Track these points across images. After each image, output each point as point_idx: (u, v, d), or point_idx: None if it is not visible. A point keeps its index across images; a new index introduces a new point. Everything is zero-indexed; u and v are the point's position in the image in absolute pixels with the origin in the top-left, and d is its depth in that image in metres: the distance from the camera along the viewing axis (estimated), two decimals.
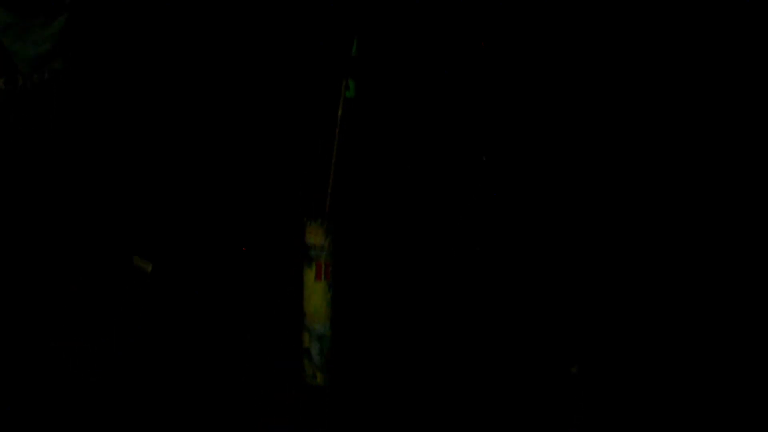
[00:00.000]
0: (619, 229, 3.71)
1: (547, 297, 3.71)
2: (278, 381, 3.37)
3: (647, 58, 3.66)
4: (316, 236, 3.49)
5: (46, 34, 2.95)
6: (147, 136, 3.63)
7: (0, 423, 3.07)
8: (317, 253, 3.49)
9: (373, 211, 3.76)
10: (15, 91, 3.03)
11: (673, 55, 3.66)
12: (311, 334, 3.57)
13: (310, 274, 3.52)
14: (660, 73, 3.67)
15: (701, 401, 3.34)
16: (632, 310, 3.65)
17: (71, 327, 3.43)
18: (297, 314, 3.54)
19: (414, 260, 3.76)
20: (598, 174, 3.74)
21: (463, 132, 3.78)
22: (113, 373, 3.27)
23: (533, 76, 3.73)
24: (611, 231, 3.72)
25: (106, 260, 3.52)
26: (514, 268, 3.76)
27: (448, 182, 3.77)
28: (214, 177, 3.70)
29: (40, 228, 3.48)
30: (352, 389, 3.51)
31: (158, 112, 3.63)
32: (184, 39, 3.54)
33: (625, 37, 3.66)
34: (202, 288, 3.63)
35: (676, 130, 3.69)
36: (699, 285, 3.63)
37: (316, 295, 3.54)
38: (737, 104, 3.64)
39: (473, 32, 3.75)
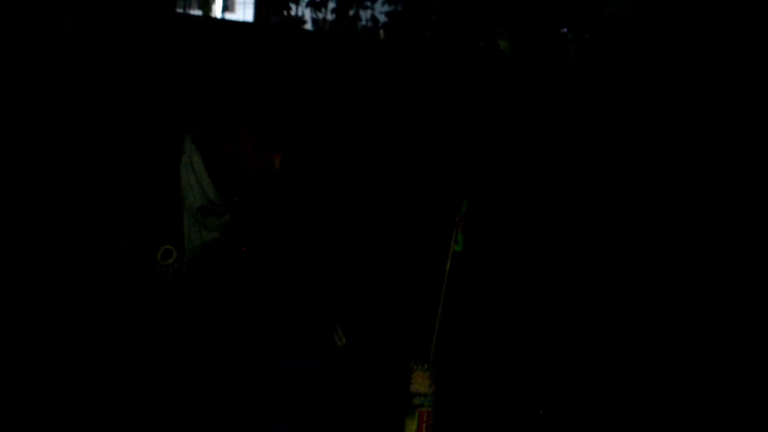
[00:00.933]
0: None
1: None
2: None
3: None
4: (422, 383, 3.41)
5: (217, 223, 3.10)
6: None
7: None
8: (421, 400, 3.40)
9: (479, 362, 3.71)
10: (177, 272, 3.21)
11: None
12: None
13: (411, 426, 3.38)
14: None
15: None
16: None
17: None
18: None
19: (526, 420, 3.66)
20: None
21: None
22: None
23: None
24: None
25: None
26: None
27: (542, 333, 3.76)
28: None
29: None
30: None
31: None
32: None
33: None
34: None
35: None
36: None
37: None
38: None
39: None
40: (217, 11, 31.63)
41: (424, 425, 3.39)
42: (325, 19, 30.94)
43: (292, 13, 29.53)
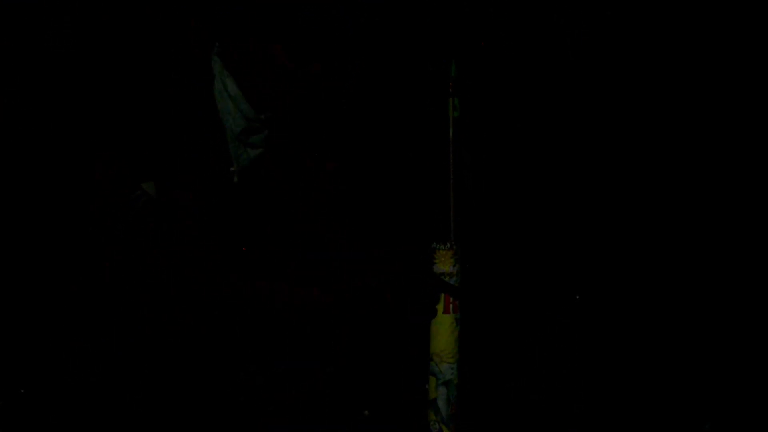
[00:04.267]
0: None
1: None
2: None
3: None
4: (445, 262, 3.20)
5: (261, 138, 3.12)
6: None
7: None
8: (446, 280, 3.20)
9: (504, 234, 3.51)
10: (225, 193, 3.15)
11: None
12: (437, 378, 3.22)
13: (438, 307, 3.21)
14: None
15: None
16: None
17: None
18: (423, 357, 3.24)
19: (551, 293, 3.52)
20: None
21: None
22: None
23: None
24: None
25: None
26: None
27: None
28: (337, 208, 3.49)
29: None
30: None
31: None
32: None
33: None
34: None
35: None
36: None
37: (443, 330, 3.20)
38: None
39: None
40: None
41: (450, 306, 3.21)
42: None
43: None
